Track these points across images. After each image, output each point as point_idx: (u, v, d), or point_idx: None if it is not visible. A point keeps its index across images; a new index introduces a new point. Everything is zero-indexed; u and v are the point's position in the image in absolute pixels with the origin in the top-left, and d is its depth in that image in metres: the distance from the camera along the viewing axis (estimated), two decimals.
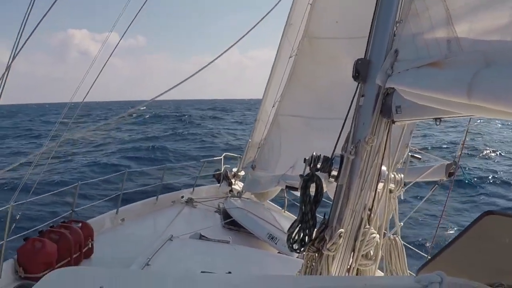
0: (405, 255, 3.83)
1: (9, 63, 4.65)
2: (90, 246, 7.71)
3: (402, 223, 3.96)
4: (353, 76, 3.59)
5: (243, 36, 7.13)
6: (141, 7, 6.34)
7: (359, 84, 3.62)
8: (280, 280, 2.65)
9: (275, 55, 11.97)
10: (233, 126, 60.78)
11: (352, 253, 3.62)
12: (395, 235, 3.87)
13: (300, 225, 3.83)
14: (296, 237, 3.86)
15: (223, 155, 14.12)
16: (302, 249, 3.85)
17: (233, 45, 6.86)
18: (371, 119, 3.44)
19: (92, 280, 1.88)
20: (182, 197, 12.05)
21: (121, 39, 6.64)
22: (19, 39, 4.59)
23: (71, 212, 8.45)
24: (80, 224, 7.78)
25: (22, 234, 7.21)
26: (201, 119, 71.04)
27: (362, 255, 3.61)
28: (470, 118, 5.30)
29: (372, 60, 3.54)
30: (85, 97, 6.46)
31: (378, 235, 3.64)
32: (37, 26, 4.82)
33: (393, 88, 3.24)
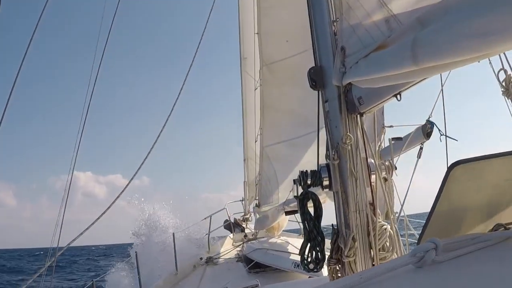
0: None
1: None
2: None
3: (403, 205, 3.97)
4: (310, 86, 3.65)
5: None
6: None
7: (319, 92, 3.67)
8: None
9: (240, 92, 12.09)
10: None
11: (371, 250, 3.62)
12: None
13: (309, 243, 3.83)
14: (309, 257, 3.85)
15: (226, 204, 14.10)
16: (319, 266, 3.84)
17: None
18: (341, 119, 3.48)
19: None
20: (201, 258, 11.84)
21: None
22: None
23: None
24: None
25: None
26: None
27: (379, 249, 3.60)
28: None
29: (323, 64, 3.60)
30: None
31: (388, 225, 3.64)
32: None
33: (350, 83, 3.29)
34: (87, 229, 5.64)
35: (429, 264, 1.92)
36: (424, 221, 2.47)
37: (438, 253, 1.93)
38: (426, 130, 5.95)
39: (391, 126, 6.27)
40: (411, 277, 1.94)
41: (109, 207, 5.84)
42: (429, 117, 6.10)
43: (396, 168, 3.89)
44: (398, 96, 3.06)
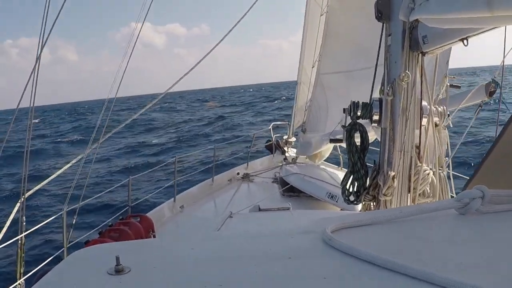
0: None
1: (38, 54, 4.73)
2: (152, 238, 7.54)
3: (452, 154, 3.90)
4: (376, 17, 3.54)
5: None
6: None
7: (384, 24, 3.56)
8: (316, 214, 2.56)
9: (304, 16, 11.80)
10: None
11: (409, 194, 3.59)
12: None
13: (352, 175, 3.82)
14: (351, 189, 3.85)
15: (271, 124, 14.05)
16: (359, 199, 3.83)
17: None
18: (402, 55, 3.38)
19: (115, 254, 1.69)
20: (238, 173, 11.93)
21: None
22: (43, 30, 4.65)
23: (128, 208, 8.35)
24: (138, 218, 7.59)
25: (82, 237, 7.22)
26: None
27: (420, 194, 3.57)
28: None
29: None
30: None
31: (432, 171, 3.58)
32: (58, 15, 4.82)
33: (417, 20, 3.17)
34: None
35: (472, 213, 1.85)
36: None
37: (484, 203, 1.83)
38: (490, 89, 5.75)
39: (453, 78, 6.05)
40: (452, 222, 1.87)
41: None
42: (494, 76, 5.89)
43: (449, 115, 3.79)
44: (465, 40, 2.93)
